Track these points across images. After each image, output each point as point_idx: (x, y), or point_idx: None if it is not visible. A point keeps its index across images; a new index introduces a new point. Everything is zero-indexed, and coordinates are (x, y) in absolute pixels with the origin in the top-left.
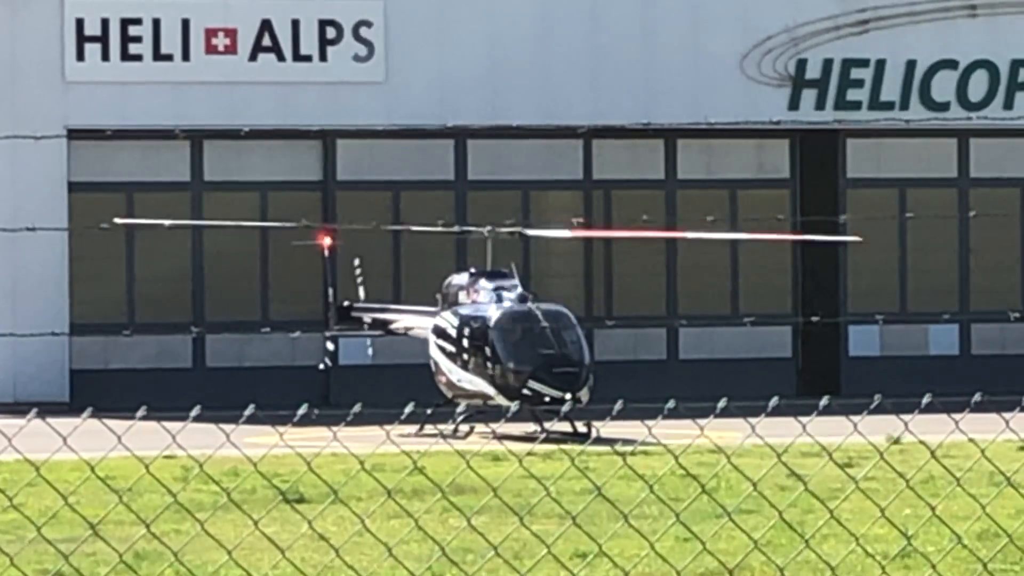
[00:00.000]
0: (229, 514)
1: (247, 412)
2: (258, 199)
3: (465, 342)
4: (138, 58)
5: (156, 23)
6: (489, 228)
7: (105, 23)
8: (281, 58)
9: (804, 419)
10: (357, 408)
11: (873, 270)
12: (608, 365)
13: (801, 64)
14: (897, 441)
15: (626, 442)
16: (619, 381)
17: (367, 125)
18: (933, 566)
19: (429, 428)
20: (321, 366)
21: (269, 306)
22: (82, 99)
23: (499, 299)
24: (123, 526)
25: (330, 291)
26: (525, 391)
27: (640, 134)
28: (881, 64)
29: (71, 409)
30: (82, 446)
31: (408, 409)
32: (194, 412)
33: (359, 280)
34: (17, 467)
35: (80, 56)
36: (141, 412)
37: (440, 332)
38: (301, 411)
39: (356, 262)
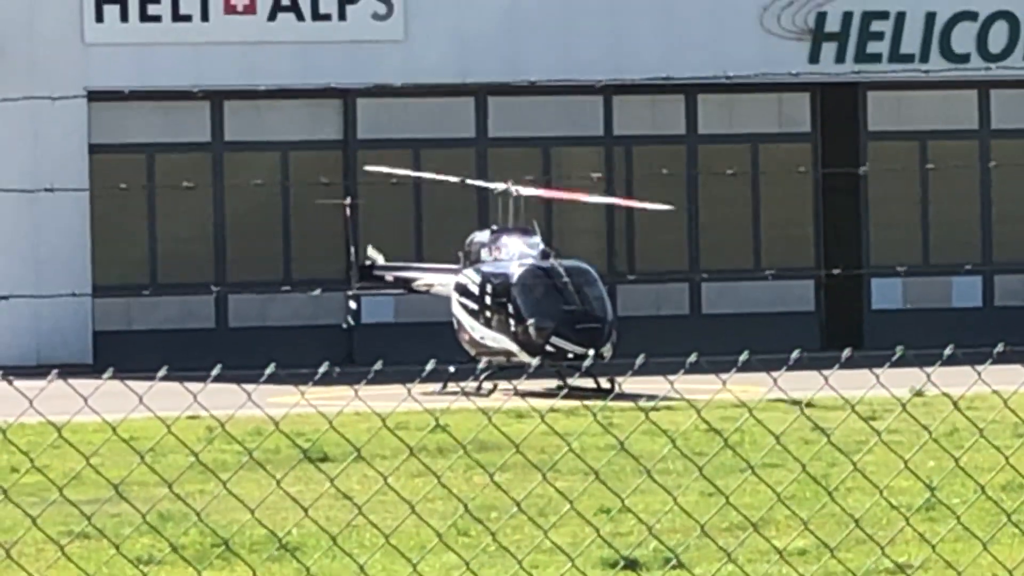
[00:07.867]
0: (253, 474)
1: (267, 372)
2: (279, 159)
3: (487, 299)
4: (157, 19)
5: None
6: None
7: None
8: (300, 17)
9: (826, 372)
10: (378, 365)
11: (895, 223)
12: (631, 320)
13: (821, 17)
14: (920, 393)
15: (649, 397)
16: (642, 336)
17: (387, 83)
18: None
19: (453, 386)
20: (344, 325)
21: (291, 265)
22: (101, 60)
23: (521, 256)
24: (147, 487)
25: (352, 249)
26: (548, 347)
27: (660, 89)
28: (901, 16)
29: (95, 371)
30: (106, 407)
31: (429, 366)
32: (214, 372)
33: (369, 249)
34: (42, 429)
35: (99, 17)
36: (161, 372)
37: (462, 290)
38: (322, 369)
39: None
